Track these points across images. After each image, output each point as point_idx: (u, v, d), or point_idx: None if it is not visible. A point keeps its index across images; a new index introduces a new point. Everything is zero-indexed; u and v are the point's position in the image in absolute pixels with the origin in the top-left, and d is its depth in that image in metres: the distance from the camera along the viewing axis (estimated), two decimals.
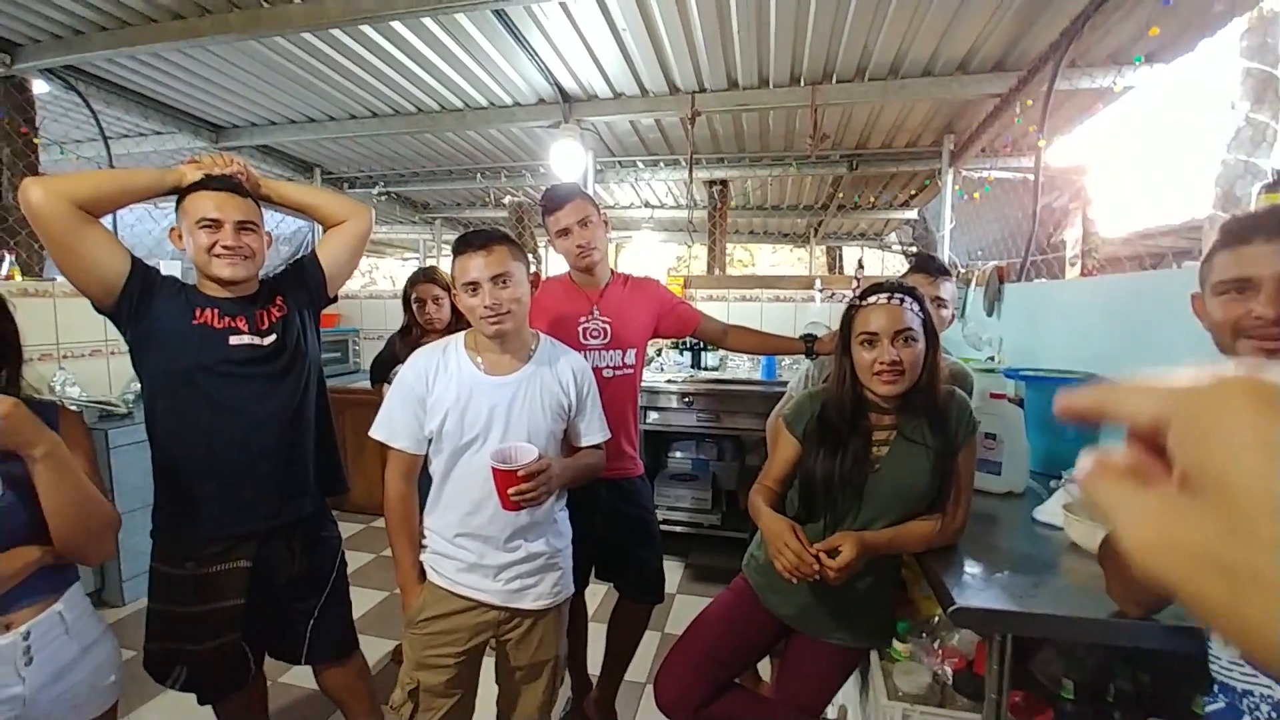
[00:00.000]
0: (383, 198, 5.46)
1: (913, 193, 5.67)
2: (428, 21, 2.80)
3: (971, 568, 1.16)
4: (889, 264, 8.82)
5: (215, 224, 1.31)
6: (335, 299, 1.59)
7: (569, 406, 1.39)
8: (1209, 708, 0.88)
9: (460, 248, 1.30)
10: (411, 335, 2.33)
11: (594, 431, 1.44)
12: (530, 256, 4.16)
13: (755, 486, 1.39)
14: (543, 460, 1.23)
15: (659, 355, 3.68)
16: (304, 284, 1.51)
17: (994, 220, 4.55)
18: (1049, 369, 1.94)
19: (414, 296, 2.30)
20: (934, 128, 4.03)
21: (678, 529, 3.21)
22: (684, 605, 2.77)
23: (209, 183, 1.34)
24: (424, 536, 1.39)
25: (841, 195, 5.73)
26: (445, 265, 2.05)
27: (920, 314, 1.25)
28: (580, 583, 1.80)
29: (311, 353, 1.48)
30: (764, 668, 1.97)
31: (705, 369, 3.41)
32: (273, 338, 1.39)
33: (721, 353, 3.53)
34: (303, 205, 1.53)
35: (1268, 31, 2.46)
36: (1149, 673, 1.21)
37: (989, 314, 2.79)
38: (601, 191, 5.93)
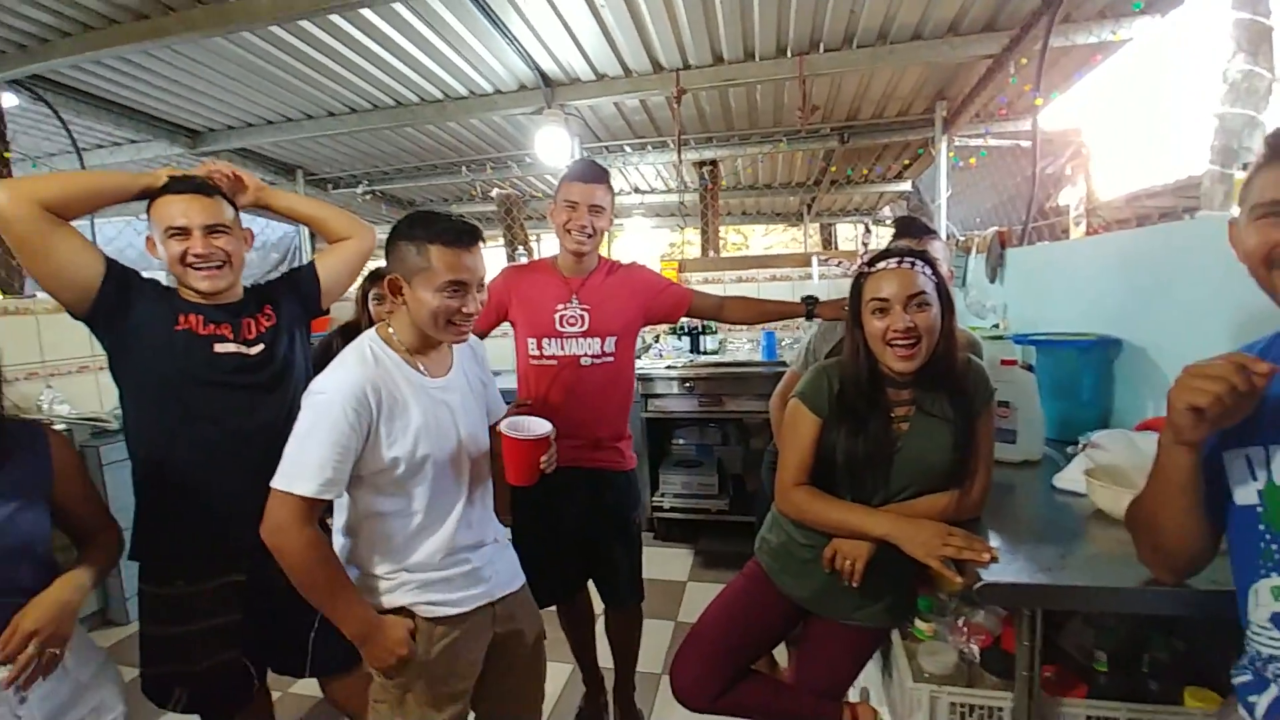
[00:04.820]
0: (368, 197, 5.37)
1: (906, 163, 5.59)
2: (400, 8, 2.71)
3: (994, 540, 1.10)
4: (884, 239, 8.75)
5: (183, 232, 1.25)
6: (327, 312, 1.54)
7: (485, 383, 1.34)
8: (1236, 680, 0.83)
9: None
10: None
11: (499, 402, 1.39)
12: (521, 248, 4.08)
13: (791, 487, 1.26)
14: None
15: (656, 341, 3.63)
16: (297, 295, 1.45)
17: (989, 188, 4.48)
18: (1059, 332, 1.88)
19: (373, 294, 2.02)
20: (925, 94, 3.95)
21: (685, 516, 3.17)
22: (696, 592, 2.73)
23: (174, 185, 1.27)
24: (381, 580, 1.15)
25: (834, 169, 5.65)
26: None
27: (934, 278, 1.19)
28: (579, 578, 1.78)
29: (299, 366, 1.43)
30: (780, 653, 1.93)
31: (704, 353, 3.35)
32: (260, 348, 1.33)
33: (720, 335, 3.48)
34: (309, 219, 1.50)
35: None
36: (1184, 639, 1.16)
37: (991, 280, 2.73)
38: None
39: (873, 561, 1.19)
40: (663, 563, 2.98)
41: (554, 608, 1.76)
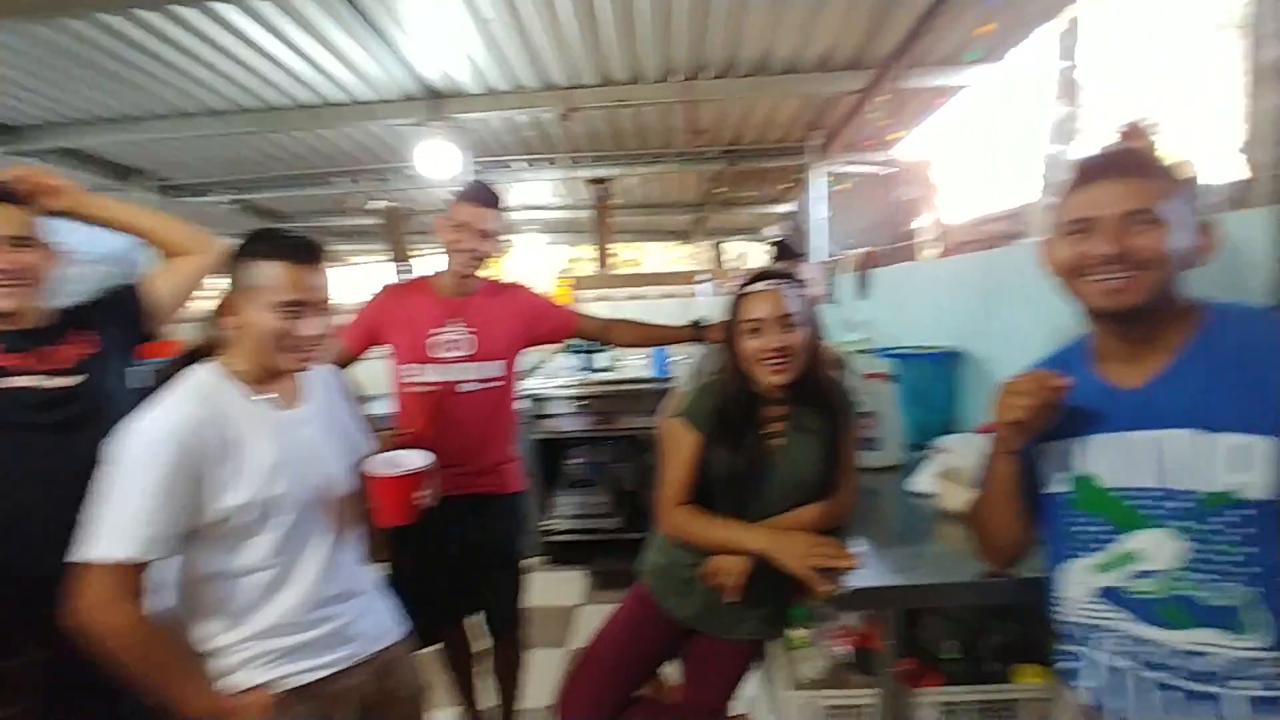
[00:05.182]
0: (234, 207, 4.89)
1: (788, 186, 5.94)
2: (262, 5, 2.50)
3: (860, 545, 1.17)
4: (761, 259, 9.24)
5: None
6: (156, 336, 1.35)
7: (348, 416, 1.21)
8: (1059, 666, 0.92)
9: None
10: None
11: (363, 439, 1.24)
12: (404, 264, 3.89)
13: (672, 507, 1.27)
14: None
15: (545, 362, 3.58)
16: (118, 317, 1.28)
17: (860, 212, 4.89)
18: (916, 346, 2.06)
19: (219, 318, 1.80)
20: (803, 123, 4.22)
21: (579, 538, 3.12)
22: (591, 615, 2.68)
23: None
24: (226, 655, 0.98)
25: (726, 190, 5.89)
26: None
27: (803, 298, 1.26)
28: (462, 610, 1.69)
29: (121, 398, 1.24)
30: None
31: (597, 370, 3.34)
32: (74, 379, 1.15)
33: (614, 353, 3.48)
34: (138, 230, 1.33)
35: (1075, 36, 2.77)
36: (1018, 622, 1.29)
37: (860, 298, 2.95)
38: None
39: (751, 576, 1.22)
40: (555, 587, 2.91)
41: (430, 650, 1.65)
